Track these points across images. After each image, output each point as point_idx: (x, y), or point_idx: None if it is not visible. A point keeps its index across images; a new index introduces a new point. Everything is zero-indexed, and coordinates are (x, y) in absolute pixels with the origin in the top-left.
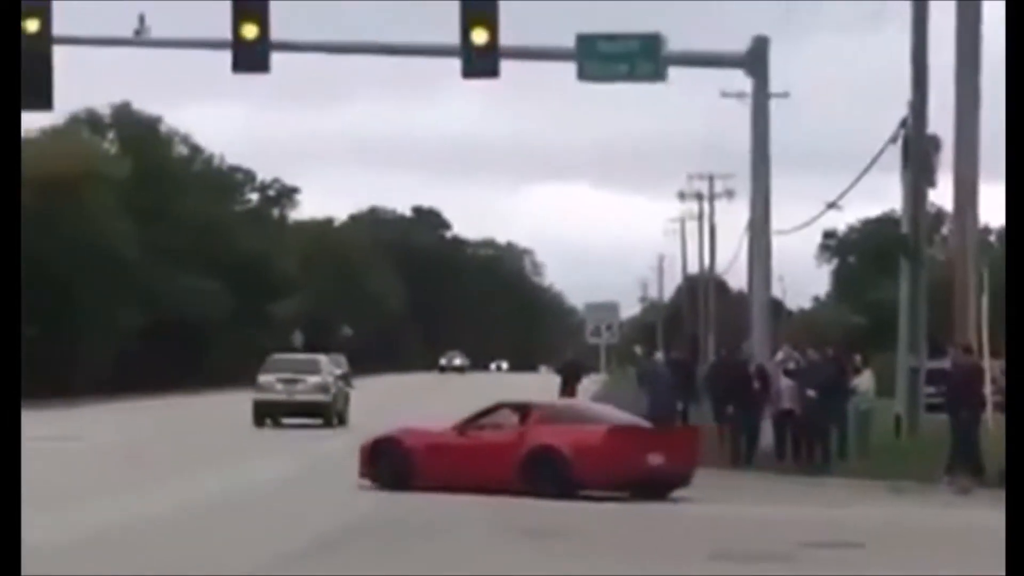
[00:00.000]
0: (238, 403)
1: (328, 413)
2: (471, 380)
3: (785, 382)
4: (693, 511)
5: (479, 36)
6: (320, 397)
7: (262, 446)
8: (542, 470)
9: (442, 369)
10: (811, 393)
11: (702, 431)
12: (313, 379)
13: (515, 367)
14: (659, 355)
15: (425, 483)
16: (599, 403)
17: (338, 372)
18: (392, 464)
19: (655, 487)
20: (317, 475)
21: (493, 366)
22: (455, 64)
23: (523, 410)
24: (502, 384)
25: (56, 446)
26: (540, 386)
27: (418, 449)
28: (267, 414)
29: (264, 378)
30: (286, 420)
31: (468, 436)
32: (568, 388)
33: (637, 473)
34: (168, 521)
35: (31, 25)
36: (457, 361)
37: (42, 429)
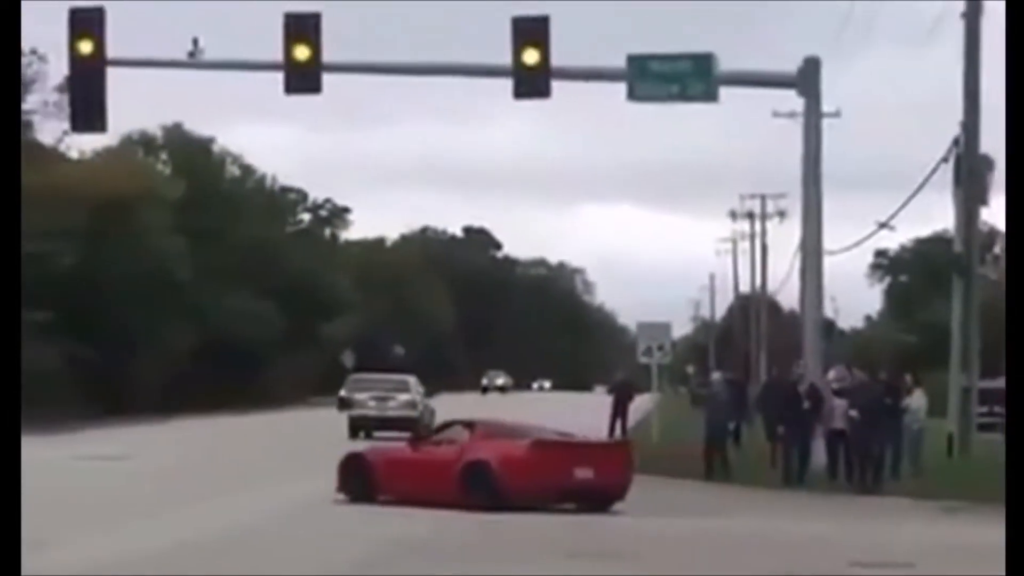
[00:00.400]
0: (289, 422)
1: (416, 427)
2: (515, 399)
3: (838, 401)
4: (743, 530)
5: (530, 56)
6: (410, 412)
7: (316, 464)
8: (474, 483)
9: (484, 389)
10: (853, 414)
11: (635, 445)
12: (403, 396)
13: (565, 386)
14: (716, 375)
15: (386, 496)
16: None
17: (422, 391)
18: (359, 478)
19: (584, 500)
20: None
21: (535, 385)
22: (506, 84)
23: (470, 427)
24: (545, 403)
25: (106, 465)
26: (588, 405)
27: (379, 464)
28: (361, 427)
29: (359, 396)
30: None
31: (420, 452)
32: (620, 408)
33: (563, 486)
34: (211, 543)
35: (84, 47)
36: (500, 381)
37: (93, 448)
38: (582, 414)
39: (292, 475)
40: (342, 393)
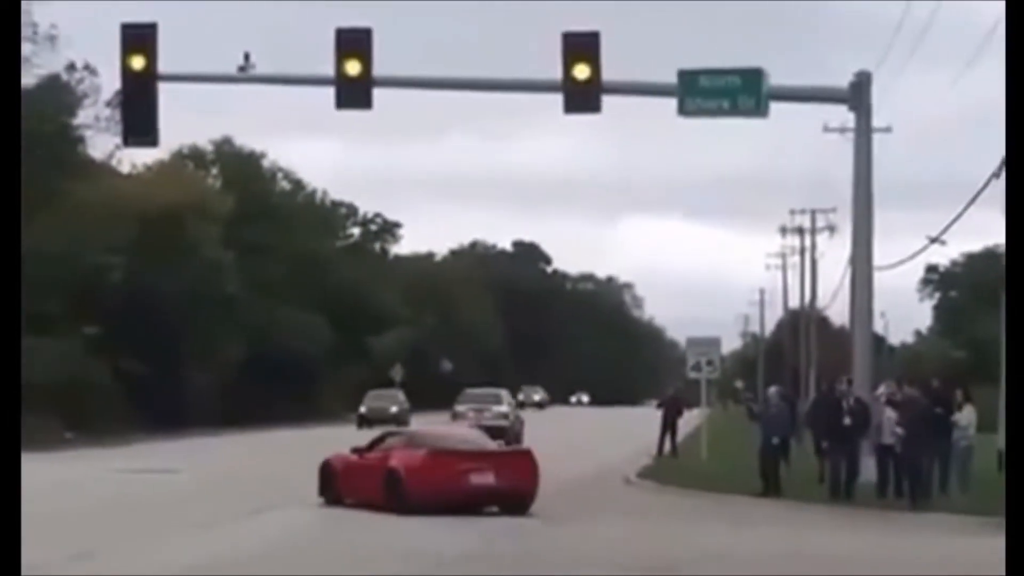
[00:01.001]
0: (338, 437)
1: (508, 434)
2: (551, 415)
3: (887, 416)
4: (786, 547)
5: (581, 72)
6: (502, 422)
7: None
8: (389, 488)
9: (520, 404)
10: (899, 430)
11: (534, 453)
12: (497, 408)
13: (613, 401)
14: (772, 390)
15: (348, 499)
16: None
17: (513, 403)
18: (328, 484)
19: (485, 504)
20: None
21: (573, 399)
22: (556, 99)
23: (401, 436)
24: (578, 418)
25: (156, 478)
26: (623, 419)
27: (339, 471)
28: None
29: (460, 407)
30: None
31: (364, 459)
32: (669, 422)
33: (460, 491)
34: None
35: (136, 62)
36: (536, 397)
37: (144, 461)
38: (610, 428)
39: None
40: (458, 408)
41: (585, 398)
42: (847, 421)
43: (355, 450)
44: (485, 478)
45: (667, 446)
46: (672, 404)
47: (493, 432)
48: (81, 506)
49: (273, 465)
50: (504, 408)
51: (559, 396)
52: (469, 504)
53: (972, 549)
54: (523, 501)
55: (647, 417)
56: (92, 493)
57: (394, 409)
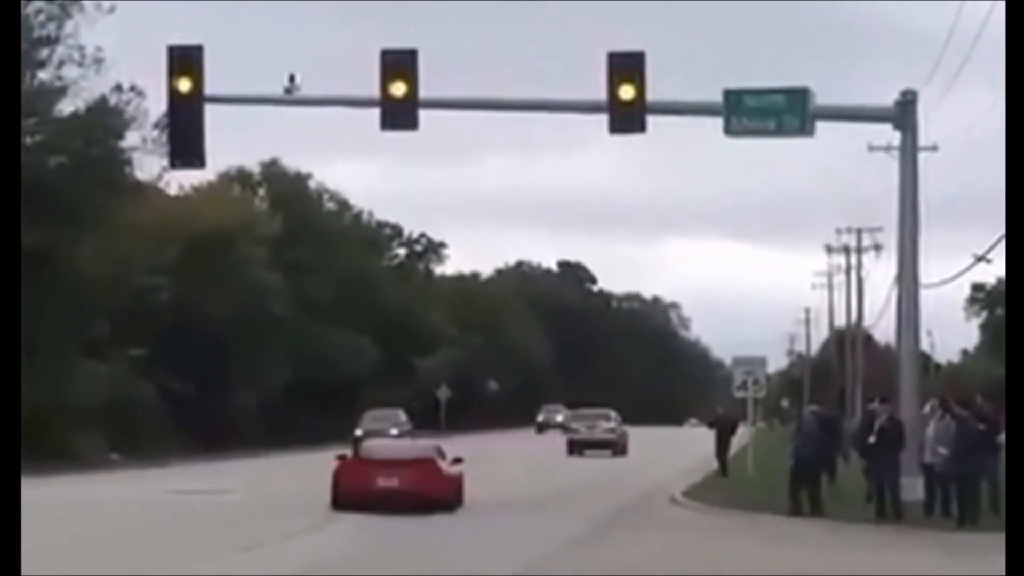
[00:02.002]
0: None
1: (616, 445)
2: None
3: (928, 435)
4: (826, 566)
5: (626, 92)
6: (610, 436)
7: None
8: (332, 490)
9: (540, 427)
10: (942, 450)
11: (436, 461)
12: (606, 424)
13: (657, 421)
14: (808, 408)
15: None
16: (428, 441)
17: (614, 419)
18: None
19: (393, 504)
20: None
21: (540, 417)
22: (601, 119)
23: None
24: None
25: (205, 499)
26: (652, 440)
27: (335, 475)
28: (576, 447)
29: (575, 424)
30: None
31: (340, 465)
32: (723, 441)
33: (368, 492)
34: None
35: (183, 85)
36: (559, 417)
37: (191, 482)
38: (652, 450)
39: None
40: (573, 424)
41: (559, 417)
42: (872, 440)
43: (339, 457)
44: (390, 482)
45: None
46: (725, 423)
47: (603, 444)
48: (129, 529)
49: (321, 485)
50: (612, 424)
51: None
52: (380, 503)
53: None
54: (432, 502)
55: (687, 437)
56: (141, 515)
57: (394, 431)
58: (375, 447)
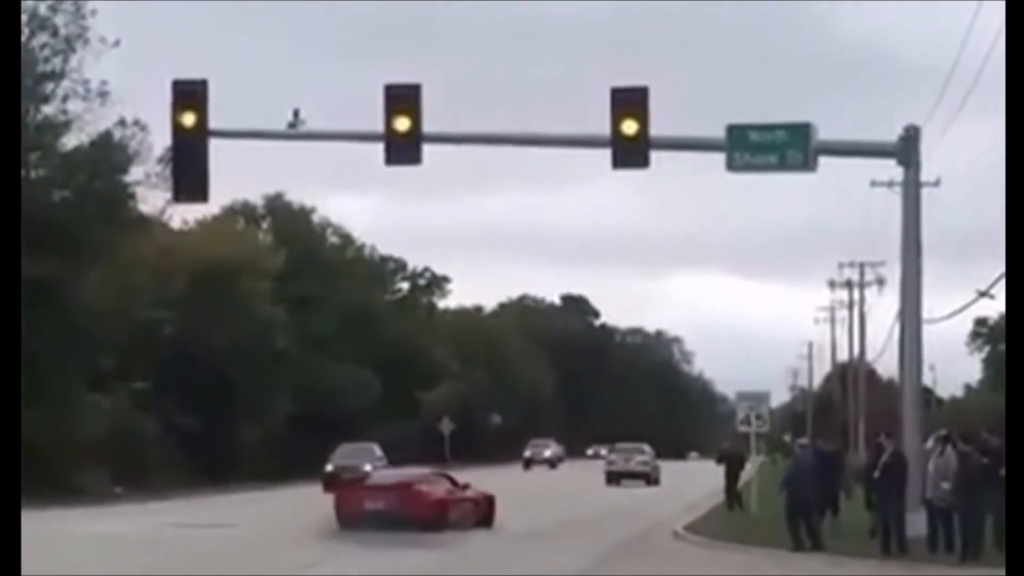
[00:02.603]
0: None
1: (649, 477)
2: (578, 471)
3: (929, 470)
4: None
5: (629, 127)
6: (644, 468)
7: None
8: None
9: (527, 463)
10: (945, 485)
11: (417, 487)
12: (640, 457)
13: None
14: (799, 442)
15: None
16: (421, 470)
17: (649, 453)
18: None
19: (380, 525)
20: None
21: (590, 451)
22: (604, 154)
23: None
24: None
25: (208, 533)
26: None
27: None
28: (614, 477)
29: (612, 456)
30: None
31: None
32: (732, 475)
33: (357, 513)
34: None
35: (187, 119)
36: (547, 452)
37: (195, 515)
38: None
39: (383, 545)
40: (611, 456)
41: (604, 451)
42: (876, 475)
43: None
44: (376, 504)
45: (728, 497)
46: (733, 457)
47: (638, 475)
48: (136, 563)
49: (322, 518)
50: (646, 457)
51: (579, 450)
52: (370, 524)
53: None
54: (415, 523)
55: (690, 471)
56: (147, 549)
57: (367, 467)
58: (374, 475)
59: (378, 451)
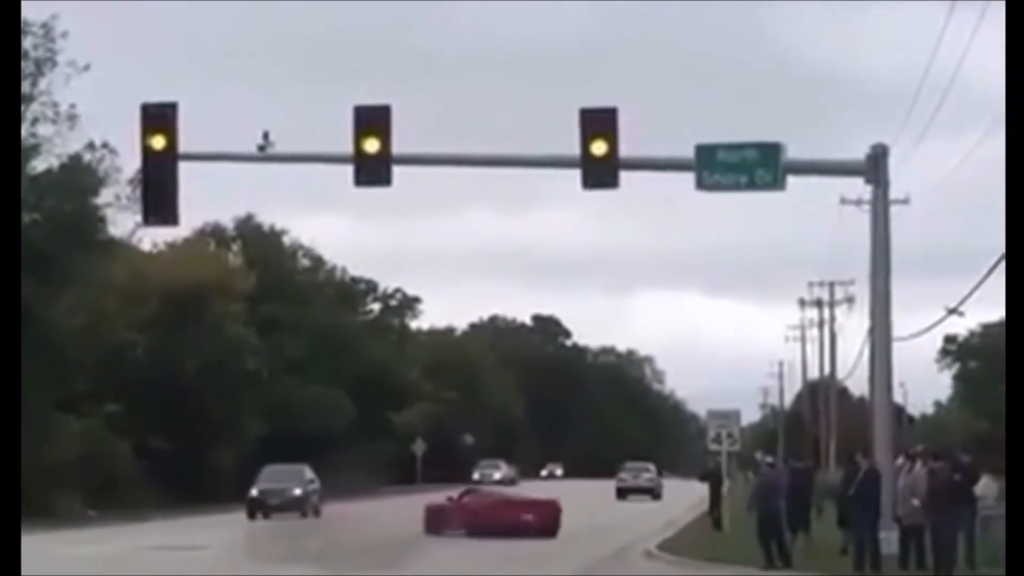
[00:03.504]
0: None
1: (653, 492)
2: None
3: (899, 488)
4: None
5: (598, 148)
6: (651, 484)
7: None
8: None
9: (477, 482)
10: (915, 502)
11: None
12: (647, 474)
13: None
14: (758, 456)
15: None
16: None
17: (653, 471)
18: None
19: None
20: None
21: (544, 472)
22: (574, 174)
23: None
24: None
25: (181, 555)
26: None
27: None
28: (623, 492)
29: (622, 474)
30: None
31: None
32: (715, 492)
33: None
34: None
35: (157, 142)
36: (497, 475)
37: (168, 538)
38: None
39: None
40: (621, 474)
41: (559, 471)
42: (851, 492)
43: (448, 499)
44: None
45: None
46: (715, 476)
47: (644, 490)
48: None
49: (293, 542)
50: (651, 475)
51: (533, 471)
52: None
53: None
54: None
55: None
56: (126, 572)
57: (297, 491)
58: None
59: (309, 473)
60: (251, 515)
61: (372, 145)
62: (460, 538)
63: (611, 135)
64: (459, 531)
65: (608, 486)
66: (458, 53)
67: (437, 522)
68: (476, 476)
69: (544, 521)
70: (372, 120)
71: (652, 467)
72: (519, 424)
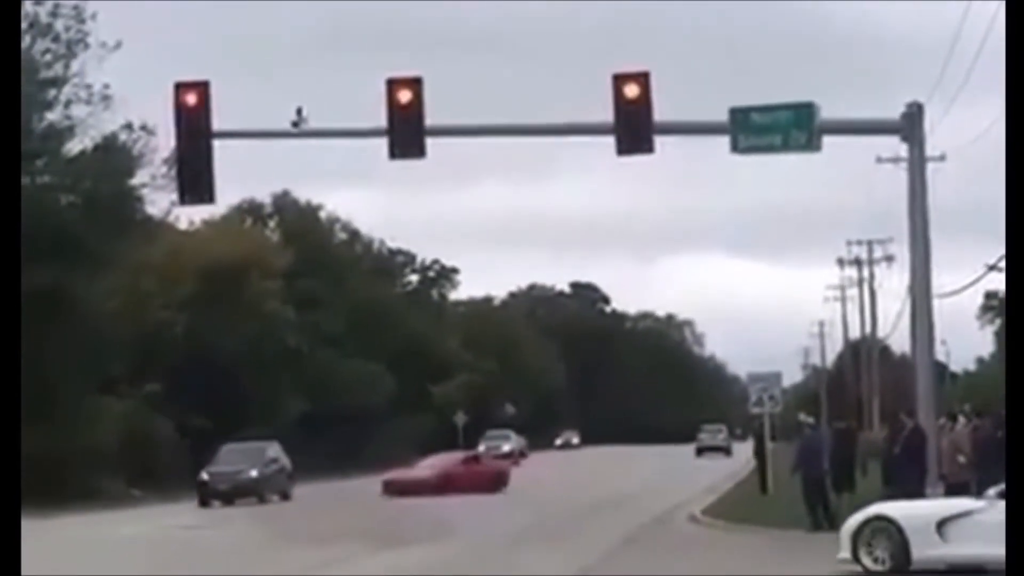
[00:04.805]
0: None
1: (726, 450)
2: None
3: (944, 446)
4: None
5: (632, 113)
6: (724, 443)
7: (412, 530)
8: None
9: (475, 458)
10: (961, 459)
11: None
12: (721, 435)
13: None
14: (801, 418)
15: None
16: None
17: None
18: None
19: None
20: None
21: (559, 441)
22: (609, 141)
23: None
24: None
25: (189, 535)
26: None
27: None
28: (703, 450)
29: (701, 435)
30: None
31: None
32: (761, 454)
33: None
34: None
35: (191, 121)
36: (506, 447)
37: (207, 518)
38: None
39: (382, 543)
40: (700, 436)
41: (575, 439)
42: (896, 450)
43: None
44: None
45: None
46: (760, 440)
47: (719, 448)
48: (161, 563)
49: (338, 517)
50: (724, 435)
51: (548, 440)
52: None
53: None
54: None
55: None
56: (170, 550)
57: (252, 474)
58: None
59: (272, 451)
60: (203, 502)
61: (405, 117)
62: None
63: (644, 100)
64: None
65: (648, 452)
66: (489, 22)
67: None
68: (482, 448)
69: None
70: (405, 92)
71: (724, 428)
72: (560, 392)
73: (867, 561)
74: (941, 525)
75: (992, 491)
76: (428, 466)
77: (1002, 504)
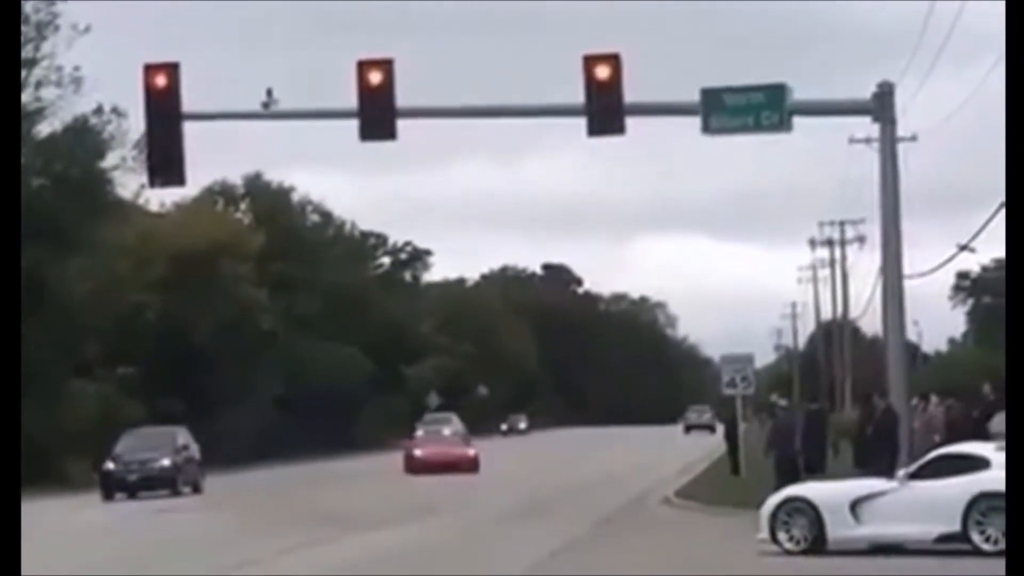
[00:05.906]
0: (370, 466)
1: (712, 427)
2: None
3: (915, 426)
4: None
5: (603, 94)
6: (709, 421)
7: (389, 509)
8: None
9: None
10: (937, 438)
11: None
12: (707, 414)
13: (643, 420)
14: (773, 399)
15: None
16: None
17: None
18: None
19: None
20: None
21: (504, 426)
22: (580, 122)
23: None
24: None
25: (197, 518)
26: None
27: None
28: (690, 428)
29: (689, 415)
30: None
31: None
32: (732, 435)
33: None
34: None
35: (160, 103)
36: (447, 431)
37: (183, 501)
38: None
39: (361, 523)
40: (688, 414)
41: (522, 424)
42: (869, 431)
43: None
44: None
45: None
46: (732, 423)
47: (704, 426)
48: (123, 551)
49: (319, 498)
50: (710, 415)
51: (546, 422)
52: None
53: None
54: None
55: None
56: (139, 536)
57: (164, 462)
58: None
59: (183, 438)
60: (108, 495)
61: (376, 99)
62: None
63: (615, 81)
64: None
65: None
66: (461, 3)
67: None
68: (420, 433)
69: None
70: (375, 73)
71: (709, 409)
72: (533, 373)
73: (785, 541)
74: (855, 505)
75: (902, 472)
76: (447, 443)
77: (912, 484)
